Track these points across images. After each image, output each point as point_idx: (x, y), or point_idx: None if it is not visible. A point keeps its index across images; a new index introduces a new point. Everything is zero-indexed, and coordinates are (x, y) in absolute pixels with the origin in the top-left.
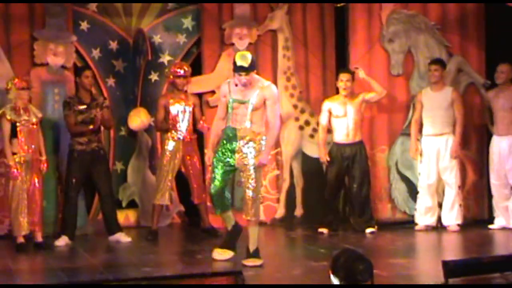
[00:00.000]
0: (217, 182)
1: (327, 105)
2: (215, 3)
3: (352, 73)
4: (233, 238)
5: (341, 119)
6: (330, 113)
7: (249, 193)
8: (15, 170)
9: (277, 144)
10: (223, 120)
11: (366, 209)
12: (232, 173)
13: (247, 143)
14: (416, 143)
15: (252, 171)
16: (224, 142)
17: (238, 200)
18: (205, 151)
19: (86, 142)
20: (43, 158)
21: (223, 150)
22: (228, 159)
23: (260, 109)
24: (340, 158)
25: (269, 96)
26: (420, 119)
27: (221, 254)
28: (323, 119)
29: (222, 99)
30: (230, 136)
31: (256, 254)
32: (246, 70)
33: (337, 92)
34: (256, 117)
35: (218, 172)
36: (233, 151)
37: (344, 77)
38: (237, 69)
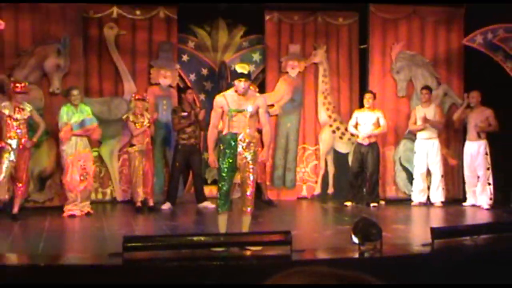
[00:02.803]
0: (226, 183)
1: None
2: (275, 43)
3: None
4: None
5: None
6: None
7: (249, 189)
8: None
9: (316, 142)
10: (217, 128)
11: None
12: (235, 174)
13: (246, 146)
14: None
15: (251, 171)
16: (225, 147)
17: (288, 181)
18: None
19: (187, 138)
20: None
21: (228, 155)
22: (232, 162)
23: (254, 116)
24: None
25: (261, 105)
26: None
27: None
28: None
29: (218, 109)
30: (230, 141)
31: None
32: (246, 76)
33: (361, 107)
34: (251, 123)
35: (226, 176)
36: (235, 155)
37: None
38: (238, 75)
